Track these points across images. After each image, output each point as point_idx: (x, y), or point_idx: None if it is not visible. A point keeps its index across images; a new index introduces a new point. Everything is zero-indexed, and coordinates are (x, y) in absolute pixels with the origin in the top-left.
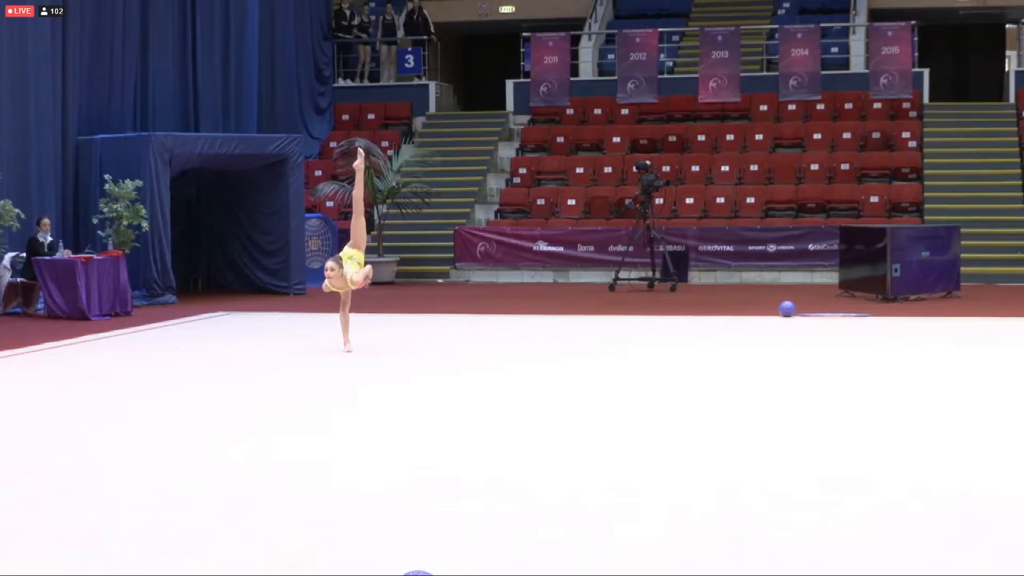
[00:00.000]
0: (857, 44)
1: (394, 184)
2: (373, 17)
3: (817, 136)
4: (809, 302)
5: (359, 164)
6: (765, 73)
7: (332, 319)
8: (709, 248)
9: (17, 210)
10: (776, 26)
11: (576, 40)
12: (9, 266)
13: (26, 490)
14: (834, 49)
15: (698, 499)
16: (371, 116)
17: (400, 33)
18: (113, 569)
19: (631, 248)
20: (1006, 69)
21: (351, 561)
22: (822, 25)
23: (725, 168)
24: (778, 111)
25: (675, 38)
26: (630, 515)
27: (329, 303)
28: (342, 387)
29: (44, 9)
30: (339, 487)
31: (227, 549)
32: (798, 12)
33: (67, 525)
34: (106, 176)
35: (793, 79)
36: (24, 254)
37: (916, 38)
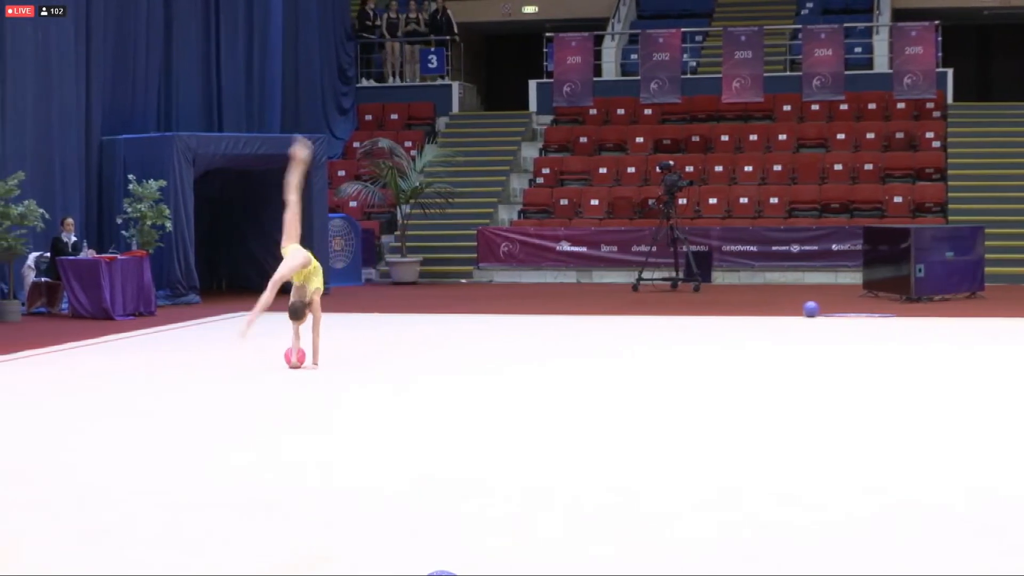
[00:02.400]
0: (880, 44)
1: (417, 184)
2: (400, 15)
3: (840, 136)
4: (833, 302)
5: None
6: (788, 73)
7: (355, 319)
8: (732, 248)
9: (41, 210)
10: (799, 26)
11: (599, 40)
12: (33, 266)
13: (44, 490)
14: (857, 49)
15: (708, 500)
16: (394, 116)
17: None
18: (131, 569)
19: (654, 248)
20: None
21: (369, 561)
22: (845, 25)
23: (748, 168)
24: (801, 111)
25: (698, 38)
26: (640, 516)
27: (351, 303)
28: (357, 387)
29: (44, 9)
30: (354, 487)
31: (245, 549)
32: (821, 12)
33: (84, 525)
34: (130, 176)
35: (816, 79)
36: (48, 254)
37: (940, 38)
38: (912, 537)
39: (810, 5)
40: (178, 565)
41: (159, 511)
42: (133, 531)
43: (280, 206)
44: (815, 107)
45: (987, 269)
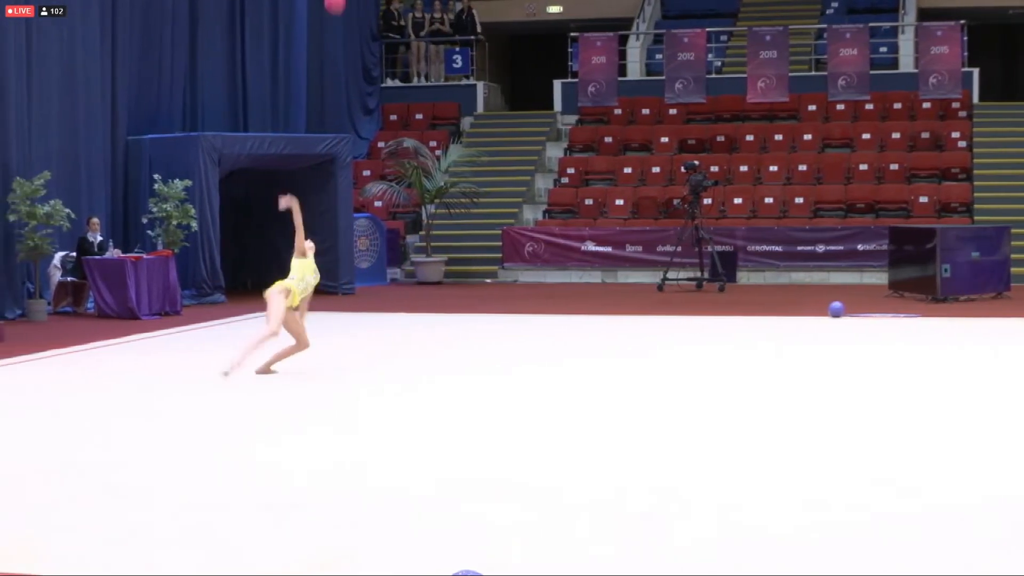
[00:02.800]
0: (906, 44)
1: (442, 184)
2: (425, 15)
3: (866, 136)
4: (858, 303)
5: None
6: (813, 73)
7: (382, 319)
8: (758, 248)
9: (67, 210)
10: (824, 26)
11: (624, 40)
12: (59, 265)
13: (69, 490)
14: (883, 49)
15: (739, 500)
16: (419, 116)
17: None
18: (155, 569)
19: (679, 248)
20: None
21: (393, 561)
22: (871, 25)
23: (774, 168)
24: (827, 111)
25: (723, 38)
26: (670, 516)
27: (375, 302)
28: (381, 387)
29: (44, 9)
30: (375, 487)
31: (266, 548)
32: (846, 12)
33: (109, 525)
34: (155, 176)
35: (842, 79)
36: (74, 253)
37: (965, 38)
38: (945, 539)
39: (835, 5)
40: (199, 565)
41: (181, 511)
42: (157, 531)
43: (304, 206)
44: (840, 107)
45: (1013, 269)
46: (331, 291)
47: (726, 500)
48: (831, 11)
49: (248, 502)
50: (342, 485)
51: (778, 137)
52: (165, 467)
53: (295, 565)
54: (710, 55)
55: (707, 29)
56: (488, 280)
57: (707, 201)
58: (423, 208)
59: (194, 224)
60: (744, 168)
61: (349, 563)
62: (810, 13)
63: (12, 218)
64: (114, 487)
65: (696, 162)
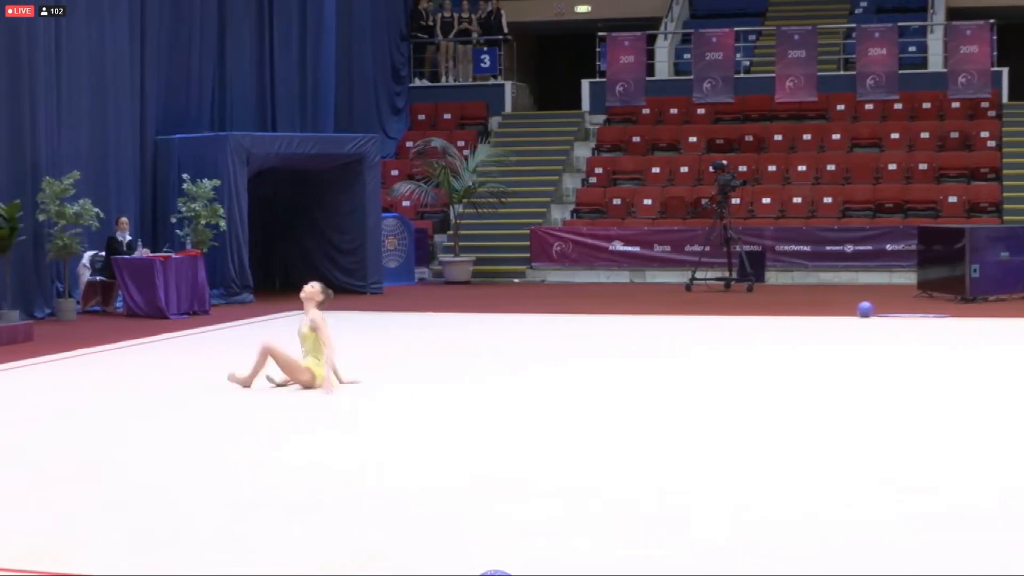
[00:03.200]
0: (935, 43)
1: (470, 184)
2: (454, 15)
3: (895, 136)
4: (887, 303)
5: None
6: (842, 72)
7: (408, 318)
8: (786, 248)
9: (96, 209)
10: (853, 25)
11: (652, 40)
12: (88, 265)
13: (92, 488)
14: (912, 48)
15: (759, 501)
16: (447, 116)
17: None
18: (182, 569)
19: (707, 248)
20: None
21: (417, 560)
22: (899, 24)
23: (802, 168)
24: (855, 111)
25: (751, 37)
26: (691, 517)
27: (403, 302)
28: (403, 387)
29: (44, 9)
30: (398, 487)
31: (291, 548)
32: (875, 11)
33: (133, 524)
34: (184, 176)
35: (870, 78)
36: (103, 253)
37: (995, 37)
38: (965, 538)
39: (864, 4)
40: (220, 565)
41: (202, 511)
42: (178, 531)
43: (332, 206)
44: (869, 106)
45: None
46: (359, 291)
47: (743, 500)
48: (860, 10)
49: (267, 502)
50: (363, 485)
51: (806, 137)
52: (187, 467)
53: (318, 565)
54: (738, 55)
55: (735, 28)
56: (516, 280)
57: (735, 201)
58: (451, 208)
59: (223, 224)
60: (772, 168)
61: (374, 563)
62: (838, 12)
63: (41, 217)
64: (135, 487)
65: (724, 162)
